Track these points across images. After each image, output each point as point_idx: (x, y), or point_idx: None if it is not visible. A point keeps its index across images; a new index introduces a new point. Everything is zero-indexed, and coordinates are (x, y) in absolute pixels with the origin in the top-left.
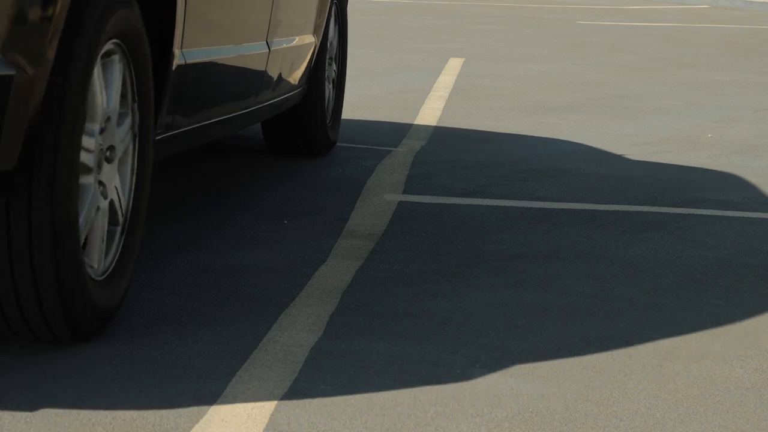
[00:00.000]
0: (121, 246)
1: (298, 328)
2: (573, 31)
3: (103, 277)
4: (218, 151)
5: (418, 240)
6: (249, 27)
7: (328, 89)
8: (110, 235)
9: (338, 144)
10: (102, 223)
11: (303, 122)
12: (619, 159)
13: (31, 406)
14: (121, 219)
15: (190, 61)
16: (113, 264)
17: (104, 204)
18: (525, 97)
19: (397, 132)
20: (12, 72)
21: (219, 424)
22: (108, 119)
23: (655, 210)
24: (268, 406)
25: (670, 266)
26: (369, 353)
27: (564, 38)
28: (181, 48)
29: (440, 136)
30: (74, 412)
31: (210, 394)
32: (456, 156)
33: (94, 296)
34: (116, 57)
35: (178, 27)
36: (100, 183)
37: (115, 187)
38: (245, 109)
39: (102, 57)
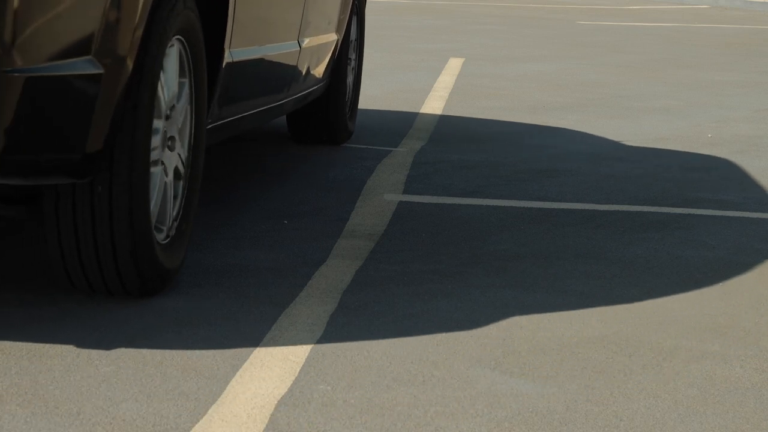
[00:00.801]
0: (179, 217)
1: (298, 328)
2: (573, 31)
3: (166, 242)
4: (218, 151)
5: (418, 240)
6: (284, 28)
7: (348, 83)
8: (175, 202)
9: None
10: (164, 197)
11: (325, 113)
12: (619, 159)
13: (32, 406)
14: (179, 195)
15: (236, 59)
16: (173, 232)
17: (166, 180)
18: (525, 97)
19: (397, 132)
20: (101, 70)
21: (219, 424)
22: (172, 108)
23: (655, 210)
24: (268, 406)
25: (670, 266)
26: (369, 353)
27: (564, 38)
28: (230, 48)
29: (440, 136)
30: (74, 412)
31: (210, 394)
32: (456, 156)
33: (160, 259)
34: (177, 53)
35: (228, 30)
36: (164, 164)
37: (176, 167)
38: (279, 101)
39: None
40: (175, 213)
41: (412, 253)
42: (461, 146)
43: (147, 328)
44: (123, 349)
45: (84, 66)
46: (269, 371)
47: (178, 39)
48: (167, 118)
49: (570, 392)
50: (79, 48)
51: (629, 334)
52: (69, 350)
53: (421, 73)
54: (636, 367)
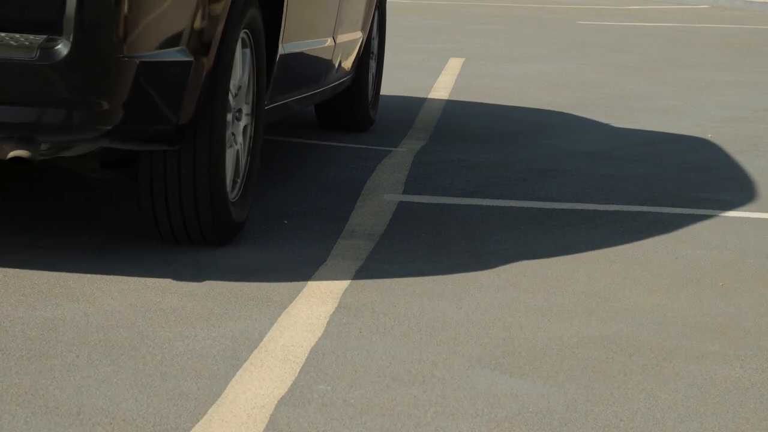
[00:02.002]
0: (245, 179)
1: (298, 328)
2: (573, 31)
3: (235, 199)
4: None
5: (418, 240)
6: (323, 26)
7: (370, 76)
8: (239, 171)
9: (338, 144)
10: (235, 160)
11: (350, 103)
12: (619, 159)
13: (32, 406)
14: (244, 160)
15: (287, 51)
16: (240, 191)
17: (236, 148)
18: (525, 97)
19: (397, 132)
20: (191, 58)
21: (219, 424)
22: (239, 88)
23: (655, 210)
24: (268, 406)
25: (670, 266)
26: (369, 353)
27: (564, 38)
28: (282, 42)
29: (440, 136)
30: (74, 412)
31: (210, 394)
32: (456, 156)
33: (232, 213)
34: (244, 45)
35: (282, 27)
36: (233, 134)
37: (242, 133)
38: (318, 89)
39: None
40: (241, 175)
41: (412, 253)
42: (461, 146)
43: (147, 327)
44: (123, 349)
45: (178, 55)
46: (269, 371)
47: (245, 33)
48: (236, 96)
49: (570, 392)
50: (174, 40)
51: (629, 334)
52: (69, 350)
53: (421, 73)
54: (636, 367)
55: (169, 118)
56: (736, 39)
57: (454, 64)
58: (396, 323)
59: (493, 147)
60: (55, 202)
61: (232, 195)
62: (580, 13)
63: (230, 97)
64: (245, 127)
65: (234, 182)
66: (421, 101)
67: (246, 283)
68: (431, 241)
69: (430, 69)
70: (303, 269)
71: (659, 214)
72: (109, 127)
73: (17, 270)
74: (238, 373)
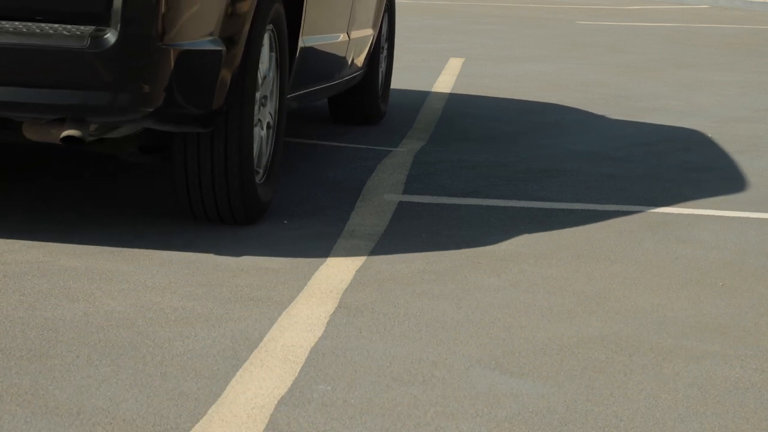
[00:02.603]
0: (270, 162)
1: (298, 328)
2: (573, 31)
3: (261, 180)
4: None
5: (418, 240)
6: (338, 21)
7: (381, 71)
8: (264, 154)
9: (338, 144)
10: (261, 144)
11: (361, 96)
12: (619, 159)
13: (32, 406)
14: (269, 144)
15: (307, 45)
16: (266, 173)
17: (261, 133)
18: (525, 97)
19: (397, 132)
20: (222, 48)
21: (219, 424)
22: (265, 78)
23: (655, 210)
24: (268, 406)
25: (670, 266)
26: (369, 353)
27: (564, 38)
28: (302, 35)
29: (440, 136)
30: (74, 412)
31: (210, 394)
32: (456, 156)
33: (259, 193)
34: (269, 37)
35: (302, 21)
36: (260, 120)
37: (267, 123)
38: (332, 81)
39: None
40: (266, 159)
41: (412, 253)
42: (461, 146)
43: (147, 327)
44: (124, 349)
45: (210, 44)
46: (269, 371)
47: (270, 27)
48: (261, 84)
49: (570, 392)
50: (207, 32)
51: (629, 334)
52: (69, 350)
53: (421, 73)
54: (636, 367)
55: (203, 102)
56: (736, 39)
57: (454, 64)
58: (396, 323)
59: (493, 147)
60: (55, 202)
61: (259, 176)
62: (580, 13)
63: (259, 85)
64: (270, 114)
65: (260, 164)
66: (421, 101)
67: (246, 283)
68: (431, 241)
69: (430, 69)
70: (303, 269)
71: (659, 214)
72: (151, 109)
73: (17, 270)
74: (238, 373)
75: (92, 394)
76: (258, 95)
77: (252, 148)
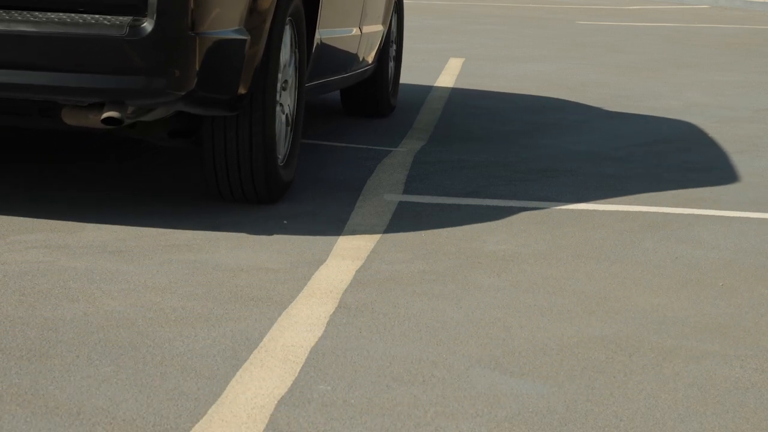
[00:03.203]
0: (290, 145)
1: (298, 328)
2: (573, 31)
3: (283, 162)
4: None
5: (418, 240)
6: (351, 16)
7: (390, 66)
8: (286, 135)
9: (338, 144)
10: (282, 128)
11: (372, 90)
12: (619, 159)
13: (32, 406)
14: (290, 126)
15: (323, 37)
16: (287, 155)
17: (282, 118)
18: (525, 97)
19: (397, 132)
20: (247, 37)
21: (219, 424)
22: (285, 67)
23: (655, 210)
24: (268, 406)
25: (670, 266)
26: (369, 353)
27: (564, 38)
28: (319, 29)
29: (440, 136)
30: (74, 412)
31: (210, 394)
32: (456, 156)
33: (281, 173)
34: (289, 29)
35: (319, 15)
36: (281, 105)
37: (288, 106)
38: (347, 73)
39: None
40: (286, 143)
41: (412, 253)
42: (461, 146)
43: (147, 327)
44: (124, 349)
45: (236, 34)
46: (269, 371)
47: (290, 19)
48: (282, 72)
49: (570, 392)
50: (233, 22)
51: (629, 334)
52: (69, 350)
53: (421, 73)
54: (636, 367)
55: (229, 87)
56: (736, 39)
57: (454, 64)
58: (396, 323)
59: (493, 147)
60: (55, 202)
61: (280, 158)
62: (580, 13)
63: (280, 73)
64: (290, 101)
65: (281, 147)
66: (421, 101)
67: (246, 283)
68: (431, 241)
69: (430, 69)
70: (303, 269)
71: (659, 214)
72: (183, 93)
73: (17, 270)
74: (238, 373)
75: (92, 394)
76: (279, 83)
77: (274, 131)
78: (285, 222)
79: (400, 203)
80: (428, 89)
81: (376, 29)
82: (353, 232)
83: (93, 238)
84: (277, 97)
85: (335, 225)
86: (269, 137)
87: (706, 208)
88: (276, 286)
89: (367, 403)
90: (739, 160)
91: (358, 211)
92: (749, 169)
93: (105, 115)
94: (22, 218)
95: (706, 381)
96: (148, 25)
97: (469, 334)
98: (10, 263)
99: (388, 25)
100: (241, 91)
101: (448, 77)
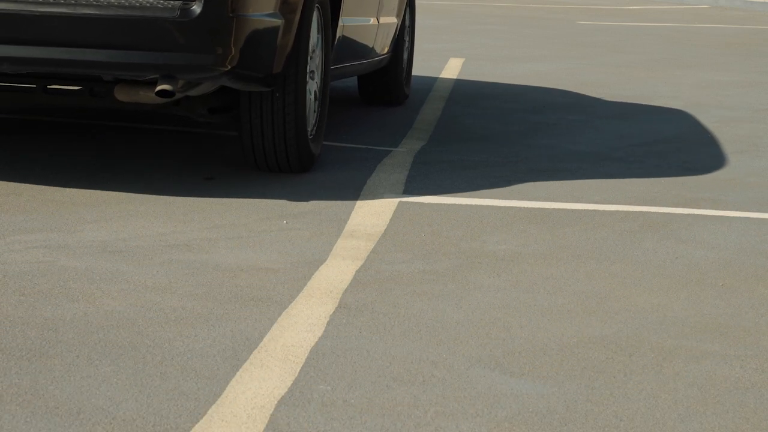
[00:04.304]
0: (317, 120)
1: (298, 328)
2: (573, 31)
3: (312, 136)
4: (219, 150)
5: (418, 240)
6: (370, 7)
7: (404, 58)
8: (314, 111)
9: (338, 144)
10: (311, 105)
11: (387, 79)
12: (619, 159)
13: (32, 406)
14: (318, 103)
15: (346, 24)
16: (315, 128)
17: (311, 96)
18: (525, 97)
19: (397, 132)
20: (281, 20)
21: (219, 424)
22: (313, 50)
23: (655, 210)
24: (268, 406)
25: (670, 266)
26: (369, 353)
27: (564, 38)
28: (342, 16)
29: (440, 136)
30: (74, 412)
31: (210, 394)
32: (456, 156)
33: (310, 146)
34: (317, 15)
35: (342, 4)
36: (310, 83)
37: (316, 84)
38: (365, 59)
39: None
40: (314, 119)
41: (412, 253)
42: (461, 146)
43: (147, 327)
44: (124, 349)
45: (272, 17)
46: (269, 371)
47: (317, 6)
48: (311, 54)
49: (570, 392)
50: (270, 6)
51: (629, 334)
52: (69, 350)
53: (421, 73)
54: (636, 367)
55: (266, 64)
56: (736, 39)
57: (454, 64)
58: (396, 323)
59: (493, 147)
60: (54, 202)
61: (309, 132)
62: (580, 13)
63: (309, 57)
64: (317, 82)
65: (310, 122)
66: (421, 101)
67: (246, 283)
68: (431, 241)
69: (430, 69)
70: (303, 269)
71: (659, 214)
72: (226, 69)
73: (17, 270)
74: (238, 373)
75: (92, 394)
76: (309, 64)
77: (305, 107)
78: (285, 222)
79: (400, 203)
80: (428, 89)
81: (391, 21)
82: (353, 232)
83: (93, 238)
84: (307, 77)
85: (335, 225)
86: (300, 113)
87: (706, 208)
88: (276, 286)
89: (367, 403)
90: (739, 160)
91: (358, 211)
92: (749, 169)
93: (159, 88)
94: (22, 218)
95: (706, 381)
96: (196, 8)
97: (469, 334)
98: (10, 263)
99: (402, 18)
100: (276, 69)
101: (448, 77)
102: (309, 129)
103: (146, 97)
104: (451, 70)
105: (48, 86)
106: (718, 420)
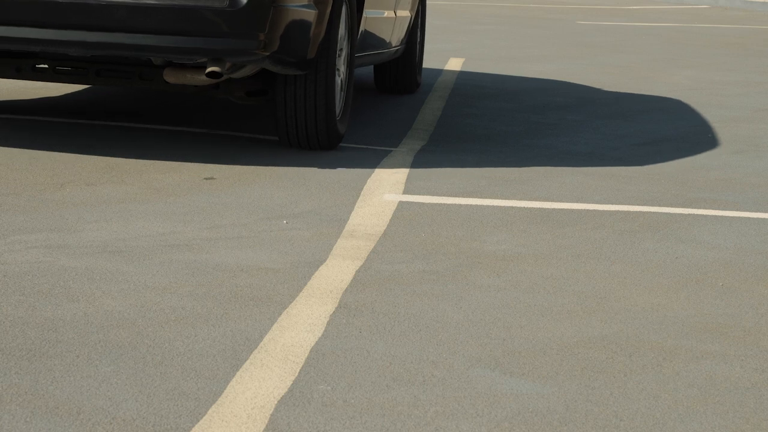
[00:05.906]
0: (344, 102)
1: (298, 328)
2: (573, 31)
3: (339, 116)
4: (220, 150)
5: (418, 240)
6: (388, 1)
7: (417, 49)
8: (340, 95)
9: (338, 144)
10: (338, 89)
11: (402, 68)
12: (619, 159)
13: (32, 406)
14: (344, 86)
15: (368, 16)
16: (341, 110)
17: (338, 79)
18: (525, 96)
19: (397, 132)
20: (315, 11)
21: (219, 424)
22: (341, 37)
23: (655, 210)
24: (268, 406)
25: (670, 266)
26: (369, 353)
27: (564, 38)
28: (365, 8)
29: (440, 136)
30: (74, 412)
31: (210, 394)
32: (456, 156)
33: (338, 126)
34: (346, 6)
35: None
36: (338, 69)
37: (342, 71)
38: (383, 50)
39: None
40: (341, 101)
41: (412, 253)
42: (461, 146)
43: (147, 327)
44: (124, 349)
45: (308, 7)
46: (269, 371)
47: (345, 0)
48: (340, 43)
49: (570, 392)
50: None
51: (629, 334)
52: (69, 350)
53: (421, 72)
54: (636, 367)
55: (302, 49)
56: (736, 39)
57: (454, 64)
58: (396, 323)
59: (493, 147)
60: (54, 202)
61: (337, 113)
62: (580, 13)
63: (338, 40)
64: (343, 67)
65: (338, 104)
66: (421, 101)
67: (246, 283)
68: (431, 241)
69: (430, 69)
70: (303, 269)
71: (659, 214)
72: (268, 53)
73: (17, 270)
74: (238, 373)
75: (92, 394)
76: (337, 50)
77: (334, 89)
78: (285, 222)
79: (400, 203)
80: (429, 89)
81: (406, 14)
82: (353, 232)
83: (93, 238)
84: (337, 62)
85: (335, 225)
86: (330, 95)
87: (706, 208)
88: (276, 286)
89: (367, 403)
90: (739, 160)
91: (358, 211)
92: (749, 169)
93: (209, 69)
94: (22, 218)
95: (706, 381)
96: None
97: (469, 334)
98: (10, 263)
99: (415, 13)
100: (310, 54)
101: (448, 77)
102: (337, 110)
103: (193, 79)
104: (451, 70)
105: (100, 69)
106: (718, 420)
